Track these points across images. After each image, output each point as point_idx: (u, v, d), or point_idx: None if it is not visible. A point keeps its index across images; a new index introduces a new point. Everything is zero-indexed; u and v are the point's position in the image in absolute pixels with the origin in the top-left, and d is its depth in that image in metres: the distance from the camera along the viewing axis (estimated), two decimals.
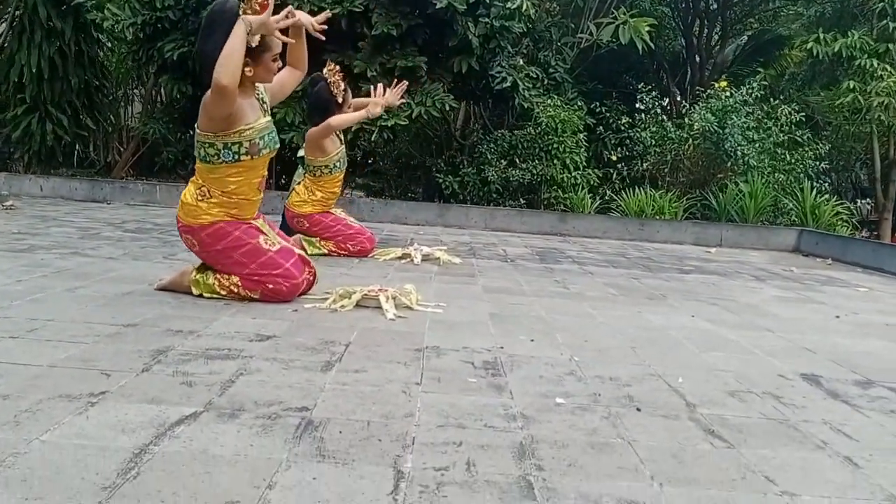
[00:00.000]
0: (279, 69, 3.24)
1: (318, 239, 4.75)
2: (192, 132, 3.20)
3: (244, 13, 2.94)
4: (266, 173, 3.28)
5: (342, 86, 4.65)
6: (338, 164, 4.74)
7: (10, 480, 1.36)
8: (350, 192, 10.09)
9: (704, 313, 3.64)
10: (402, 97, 4.96)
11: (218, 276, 3.13)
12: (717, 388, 2.32)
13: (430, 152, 10.00)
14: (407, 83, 5.08)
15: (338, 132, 4.74)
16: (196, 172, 3.15)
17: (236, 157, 3.04)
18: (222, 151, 3.03)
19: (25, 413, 1.70)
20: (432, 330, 2.84)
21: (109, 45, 10.36)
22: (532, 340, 2.78)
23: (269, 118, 3.21)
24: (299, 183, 4.85)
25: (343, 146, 4.85)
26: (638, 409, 2.04)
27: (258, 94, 3.18)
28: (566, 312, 3.40)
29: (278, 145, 3.28)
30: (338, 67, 4.68)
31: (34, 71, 8.66)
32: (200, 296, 3.11)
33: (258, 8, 2.97)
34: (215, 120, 2.99)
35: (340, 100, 4.63)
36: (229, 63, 2.83)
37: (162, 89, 10.07)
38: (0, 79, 8.89)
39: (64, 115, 9.02)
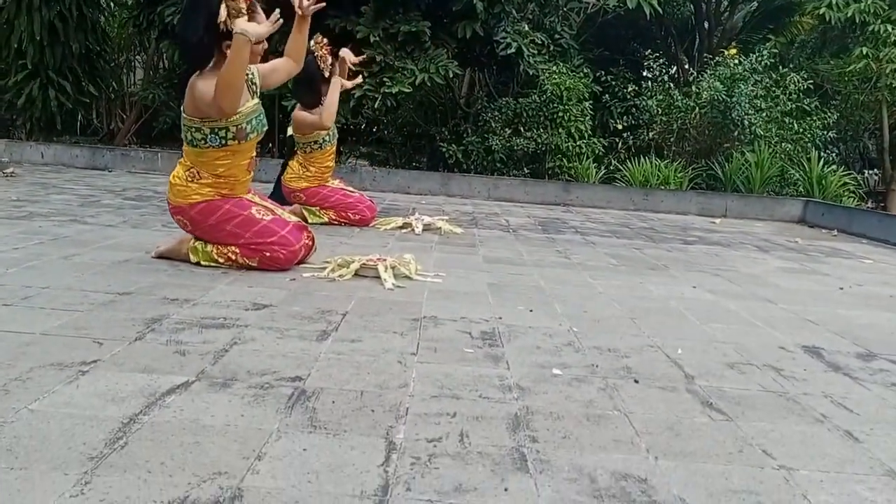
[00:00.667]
0: (265, 51, 3.17)
1: (318, 208, 4.72)
2: None
3: (229, 14, 2.86)
4: (255, 154, 3.24)
5: (329, 60, 4.59)
6: (327, 138, 4.68)
7: None
8: (354, 161, 10.03)
9: (706, 284, 3.61)
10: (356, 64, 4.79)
11: (216, 245, 3.10)
12: (717, 360, 2.29)
13: (434, 121, 9.90)
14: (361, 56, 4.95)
15: (322, 96, 4.65)
16: (184, 154, 3.11)
17: (223, 141, 3.00)
18: (209, 136, 2.99)
19: (15, 381, 1.68)
20: (430, 300, 2.81)
21: (110, 9, 10.23)
22: (531, 311, 2.75)
23: (257, 101, 3.14)
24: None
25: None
26: (636, 381, 2.02)
27: (249, 76, 3.09)
28: (566, 283, 3.37)
29: (266, 128, 3.22)
30: (325, 41, 4.61)
31: (35, 36, 8.55)
32: (198, 264, 3.09)
33: (242, 5, 2.89)
34: (202, 111, 2.95)
35: (327, 74, 4.57)
36: (233, 91, 2.85)
37: (164, 55, 9.97)
38: (1, 45, 8.77)
39: (66, 82, 8.92)
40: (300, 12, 3.22)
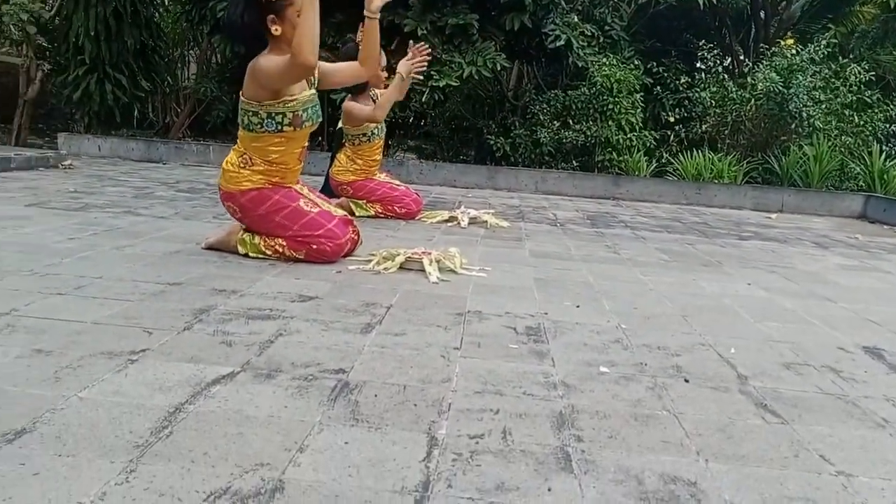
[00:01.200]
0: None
1: (364, 201, 4.73)
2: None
3: None
4: (307, 144, 3.25)
5: None
6: (375, 131, 4.68)
7: (46, 436, 1.37)
8: (402, 154, 10.05)
9: (762, 281, 3.50)
10: (422, 67, 4.45)
11: (264, 237, 3.13)
12: (772, 360, 2.21)
13: (481, 114, 9.84)
14: (429, 47, 4.62)
15: (373, 97, 4.67)
16: (239, 140, 3.13)
17: (279, 127, 3.01)
18: (265, 121, 3.00)
19: (66, 369, 1.72)
20: (475, 294, 2.78)
21: (164, 5, 10.43)
22: (578, 306, 2.70)
23: (313, 91, 3.14)
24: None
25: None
26: (686, 381, 1.96)
27: None
28: (615, 279, 3.30)
29: (321, 119, 3.24)
30: None
31: (91, 33, 8.78)
32: (246, 255, 3.13)
33: None
34: (266, 89, 2.96)
35: None
36: (311, 38, 2.77)
37: (216, 50, 10.14)
38: (59, 39, 9.03)
39: (122, 76, 9.13)
40: (369, 14, 3.19)
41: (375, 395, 1.70)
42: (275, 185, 3.10)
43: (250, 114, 3.02)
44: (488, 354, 2.06)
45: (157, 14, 10.11)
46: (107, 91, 9.01)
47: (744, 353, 2.26)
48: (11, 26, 8.75)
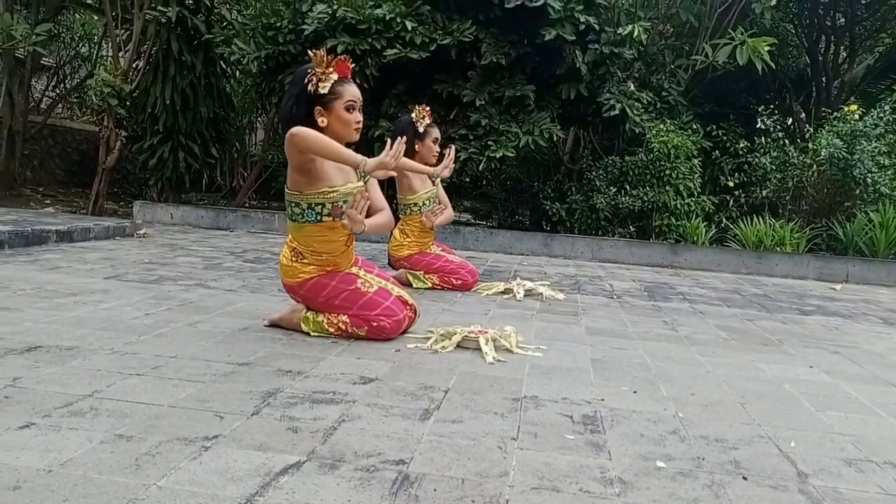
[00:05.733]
0: (359, 124, 3.17)
1: (422, 273, 4.86)
2: None
3: (317, 78, 3.02)
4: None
5: (427, 119, 4.75)
6: (427, 202, 4.83)
7: None
8: (458, 215, 10.22)
9: (824, 363, 3.44)
10: (454, 164, 4.93)
11: (327, 314, 3.25)
12: (833, 455, 2.18)
13: (537, 176, 9.98)
14: (455, 150, 5.06)
15: (432, 179, 4.85)
16: (288, 231, 3.29)
17: (318, 217, 3.14)
18: (306, 211, 3.14)
19: (146, 456, 1.83)
20: (531, 376, 2.83)
21: (235, 77, 11.00)
22: (635, 392, 2.71)
23: (360, 184, 3.20)
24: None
25: (434, 186, 4.93)
26: (744, 478, 1.96)
27: (363, 174, 3.20)
28: (672, 359, 3.30)
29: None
30: (428, 109, 4.80)
31: (168, 102, 9.30)
32: (308, 333, 3.25)
33: (331, 70, 3.04)
34: (295, 170, 3.09)
35: (421, 129, 4.73)
36: (318, 144, 2.93)
37: None
38: (138, 110, 9.60)
39: (195, 144, 9.63)
40: (387, 161, 3.11)
41: (434, 490, 1.75)
42: (329, 272, 3.23)
43: (293, 204, 3.17)
44: (545, 446, 2.10)
45: (228, 85, 10.66)
46: (179, 158, 9.50)
47: (804, 447, 2.23)
48: (94, 97, 9.37)
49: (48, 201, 10.18)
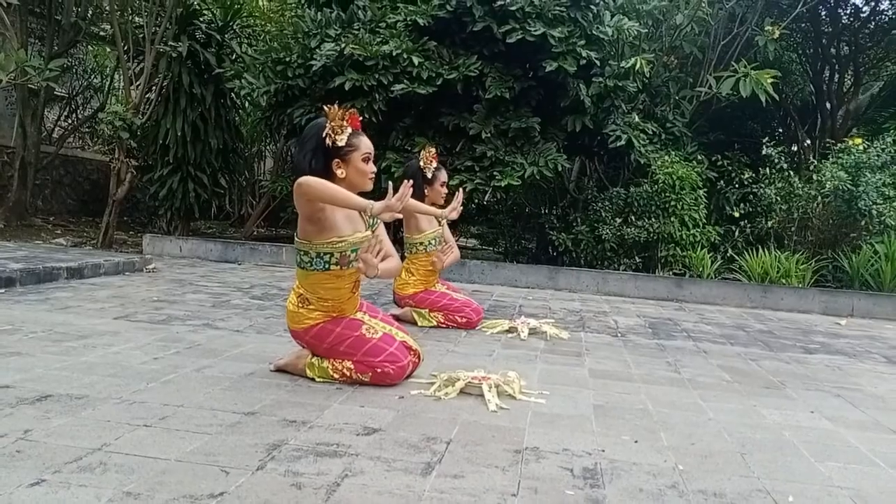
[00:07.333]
0: (374, 174, 3.26)
1: (427, 310, 4.91)
2: None
3: (334, 132, 3.10)
4: (360, 276, 3.36)
5: (434, 164, 4.86)
6: (432, 242, 4.92)
7: None
8: (464, 240, 10.27)
9: (826, 408, 3.45)
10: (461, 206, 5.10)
11: (332, 360, 3.30)
12: None
13: (543, 202, 10.05)
14: (463, 193, 5.24)
15: (438, 220, 4.95)
16: (296, 278, 3.35)
17: (326, 265, 3.21)
18: (314, 259, 3.21)
19: None
20: (533, 425, 2.86)
21: (244, 110, 11.15)
22: (636, 441, 2.74)
23: (368, 234, 3.27)
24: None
25: (440, 227, 5.02)
26: None
27: (371, 220, 3.29)
28: (674, 405, 3.32)
29: None
30: (434, 152, 4.92)
31: (178, 134, 9.45)
32: (314, 379, 3.29)
33: (344, 123, 3.12)
34: (305, 219, 3.16)
35: (430, 175, 4.84)
36: (326, 191, 2.99)
37: (290, 151, 10.73)
38: (148, 141, 9.74)
39: (204, 175, 9.76)
40: (393, 204, 3.09)
41: None
42: (335, 318, 3.29)
43: (302, 253, 3.24)
44: (545, 502, 2.13)
45: (237, 116, 10.81)
46: (189, 189, 9.62)
47: (802, 502, 2.25)
48: (106, 129, 9.52)
49: (59, 231, 10.31)
